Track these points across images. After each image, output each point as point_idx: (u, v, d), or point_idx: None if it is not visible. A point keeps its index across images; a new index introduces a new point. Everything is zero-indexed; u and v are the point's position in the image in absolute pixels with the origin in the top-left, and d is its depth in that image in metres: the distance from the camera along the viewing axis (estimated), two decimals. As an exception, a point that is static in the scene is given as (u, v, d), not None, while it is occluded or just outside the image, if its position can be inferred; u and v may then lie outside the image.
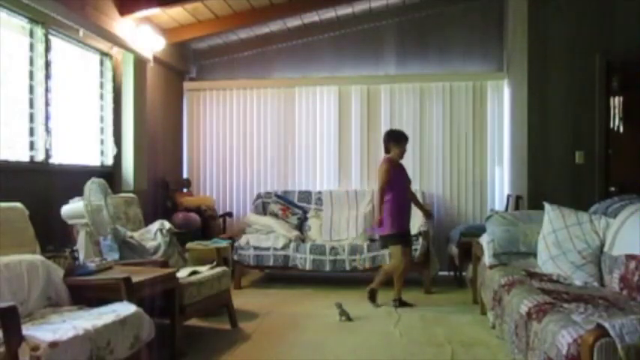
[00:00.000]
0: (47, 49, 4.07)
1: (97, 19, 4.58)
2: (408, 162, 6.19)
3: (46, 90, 4.05)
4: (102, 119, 4.91)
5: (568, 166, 4.90)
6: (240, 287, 5.44)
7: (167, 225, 4.12)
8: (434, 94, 6.30)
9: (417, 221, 5.53)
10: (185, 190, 6.34)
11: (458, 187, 6.26)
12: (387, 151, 4.84)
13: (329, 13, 6.21)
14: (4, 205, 2.98)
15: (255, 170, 6.65)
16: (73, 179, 4.08)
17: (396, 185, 4.70)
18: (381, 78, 6.42)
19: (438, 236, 5.97)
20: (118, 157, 5.03)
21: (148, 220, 4.41)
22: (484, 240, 4.10)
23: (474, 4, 6.26)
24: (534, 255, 3.70)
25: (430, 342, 3.64)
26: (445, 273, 5.87)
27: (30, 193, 3.67)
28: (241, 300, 4.71)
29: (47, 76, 4.07)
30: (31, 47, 3.96)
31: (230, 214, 6.48)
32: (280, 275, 6.04)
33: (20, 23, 3.86)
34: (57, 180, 4.11)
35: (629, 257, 2.92)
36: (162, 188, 5.94)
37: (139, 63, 5.21)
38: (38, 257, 2.92)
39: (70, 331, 2.21)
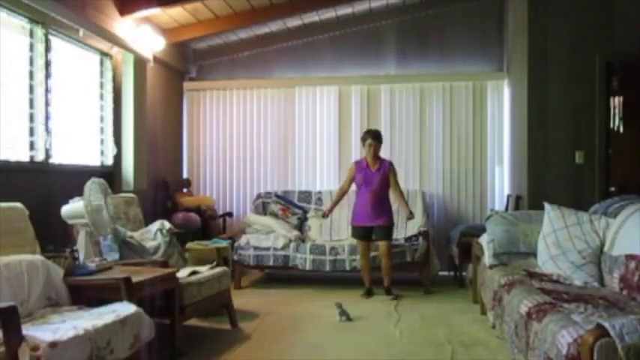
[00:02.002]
0: (47, 49, 4.07)
1: (97, 19, 4.58)
2: (409, 162, 6.23)
3: (46, 90, 4.05)
4: (102, 119, 4.92)
5: (568, 166, 4.90)
6: (240, 287, 5.44)
7: (167, 225, 4.12)
8: (434, 94, 6.30)
9: (417, 221, 5.54)
10: (185, 190, 6.34)
11: (458, 187, 6.27)
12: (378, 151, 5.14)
13: (329, 13, 6.21)
14: (4, 205, 2.98)
15: (255, 170, 6.65)
16: (73, 179, 4.07)
17: None
18: (381, 78, 6.42)
19: (438, 236, 5.98)
20: (118, 157, 5.03)
21: (148, 220, 4.41)
22: (484, 240, 4.10)
23: (473, 4, 6.27)
24: (534, 255, 3.69)
25: (430, 342, 3.64)
26: (445, 273, 5.87)
27: (30, 193, 3.67)
28: (241, 300, 4.71)
29: (47, 76, 4.06)
30: (31, 47, 3.96)
31: (230, 214, 6.48)
32: (280, 275, 6.04)
33: (20, 23, 3.86)
34: (57, 180, 4.10)
35: (629, 257, 2.92)
36: (162, 188, 5.94)
37: (139, 63, 5.21)
38: (38, 257, 2.91)
39: (70, 331, 2.21)
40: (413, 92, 6.34)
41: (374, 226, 4.98)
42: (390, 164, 5.13)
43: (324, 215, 5.34)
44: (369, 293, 5.03)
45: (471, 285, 4.80)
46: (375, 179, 5.01)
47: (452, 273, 5.87)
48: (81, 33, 4.35)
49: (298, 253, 5.44)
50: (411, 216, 5.04)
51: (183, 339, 3.41)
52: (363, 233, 5.04)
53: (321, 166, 6.53)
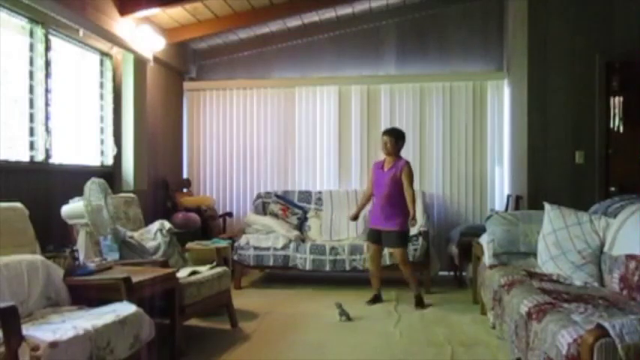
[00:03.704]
0: (47, 49, 4.06)
1: (97, 19, 4.58)
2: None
3: (46, 90, 4.04)
4: (102, 119, 4.91)
5: (568, 166, 4.90)
6: (240, 287, 5.44)
7: (167, 225, 4.12)
8: (434, 94, 6.30)
9: (417, 221, 5.52)
10: (185, 190, 6.34)
11: (458, 187, 6.27)
12: (399, 151, 4.79)
13: (329, 13, 6.21)
14: (4, 205, 2.98)
15: (255, 170, 6.65)
16: (73, 179, 4.07)
17: None
18: (381, 78, 6.42)
19: (438, 236, 5.98)
20: (118, 157, 5.02)
21: (148, 220, 4.41)
22: (484, 240, 4.10)
23: (474, 4, 6.26)
24: (534, 255, 3.70)
25: (430, 342, 3.64)
26: (445, 273, 5.87)
27: (30, 193, 3.67)
28: (241, 300, 4.70)
29: (47, 76, 4.06)
30: (31, 47, 3.95)
31: (230, 214, 6.48)
32: (280, 275, 6.04)
33: (20, 23, 3.86)
34: (57, 180, 4.10)
35: (629, 257, 2.92)
36: (162, 188, 5.94)
37: (139, 63, 5.21)
38: (38, 257, 2.91)
39: (70, 331, 2.21)
40: (413, 92, 6.34)
41: (382, 231, 4.69)
42: (405, 164, 4.68)
43: (352, 219, 5.00)
44: (374, 300, 4.79)
45: (471, 285, 4.80)
46: (385, 180, 4.68)
47: (452, 273, 5.87)
48: (81, 33, 4.34)
49: (298, 253, 5.44)
50: (413, 222, 4.56)
51: (183, 339, 3.41)
52: (373, 236, 4.77)
53: (321, 166, 6.53)
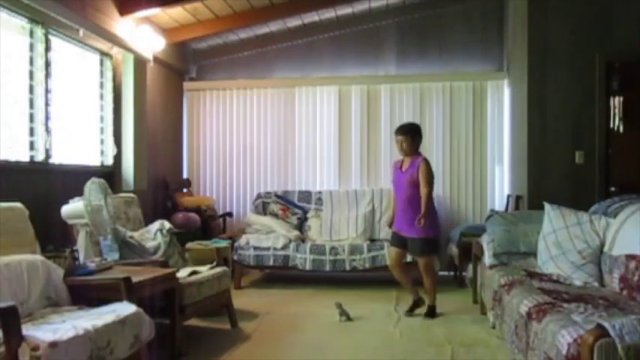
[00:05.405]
0: (47, 49, 4.07)
1: (97, 19, 4.58)
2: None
3: (46, 90, 4.04)
4: (102, 119, 4.91)
5: (568, 166, 4.90)
6: (240, 287, 5.44)
7: (167, 225, 4.12)
8: (434, 94, 6.30)
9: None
10: (185, 190, 6.34)
11: (458, 187, 6.26)
12: (417, 148, 4.43)
13: (329, 13, 6.21)
14: (4, 205, 2.98)
15: (255, 170, 6.64)
16: (73, 179, 4.08)
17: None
18: (381, 78, 6.42)
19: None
20: (118, 157, 5.02)
21: (148, 220, 4.41)
22: (484, 240, 4.10)
23: (473, 4, 6.26)
24: (534, 255, 3.70)
25: (430, 342, 3.64)
26: (445, 273, 5.87)
27: (30, 193, 3.67)
28: (241, 300, 4.70)
29: (47, 76, 4.06)
30: (31, 47, 3.96)
31: (230, 214, 6.48)
32: (280, 275, 6.04)
33: (20, 23, 3.86)
34: (57, 180, 4.11)
35: (629, 257, 2.92)
36: (162, 188, 5.94)
37: (139, 63, 5.21)
38: (38, 257, 2.92)
39: (70, 331, 2.21)
40: (413, 92, 6.34)
41: (407, 238, 4.30)
42: (422, 161, 4.30)
43: (388, 225, 4.59)
44: (414, 306, 4.42)
45: (471, 285, 4.80)
46: (404, 181, 4.31)
47: (452, 273, 5.87)
48: (81, 33, 4.34)
49: (298, 253, 5.44)
50: (419, 223, 4.10)
51: (183, 339, 3.41)
52: (395, 239, 4.43)
53: (321, 166, 6.53)
